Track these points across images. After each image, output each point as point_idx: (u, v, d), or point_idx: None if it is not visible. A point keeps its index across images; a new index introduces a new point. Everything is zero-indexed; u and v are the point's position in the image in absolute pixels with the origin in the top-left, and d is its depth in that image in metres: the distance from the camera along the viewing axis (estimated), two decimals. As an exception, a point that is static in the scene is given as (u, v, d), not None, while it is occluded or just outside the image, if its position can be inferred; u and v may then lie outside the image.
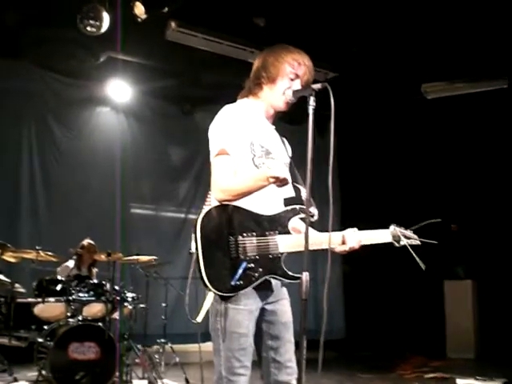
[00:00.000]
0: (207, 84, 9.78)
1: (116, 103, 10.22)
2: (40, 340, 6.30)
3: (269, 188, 2.80)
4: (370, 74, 9.35)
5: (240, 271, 2.61)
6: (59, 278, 6.66)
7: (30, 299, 6.47)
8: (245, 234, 2.68)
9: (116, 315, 6.59)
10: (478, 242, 10.44)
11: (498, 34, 7.99)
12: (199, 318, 2.67)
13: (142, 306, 7.10)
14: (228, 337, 2.67)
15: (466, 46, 8.26)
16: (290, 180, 2.71)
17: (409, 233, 3.03)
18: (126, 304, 6.66)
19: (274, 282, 2.78)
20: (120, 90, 9.99)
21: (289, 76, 2.91)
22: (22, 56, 9.00)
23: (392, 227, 2.99)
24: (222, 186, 2.75)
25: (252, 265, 2.65)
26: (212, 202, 2.79)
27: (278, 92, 2.92)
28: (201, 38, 8.03)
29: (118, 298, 6.41)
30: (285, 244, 2.72)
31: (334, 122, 2.57)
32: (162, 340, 7.59)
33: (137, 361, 6.88)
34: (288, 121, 11.21)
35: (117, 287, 6.55)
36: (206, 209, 2.69)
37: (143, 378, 6.92)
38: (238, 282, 2.61)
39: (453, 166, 10.71)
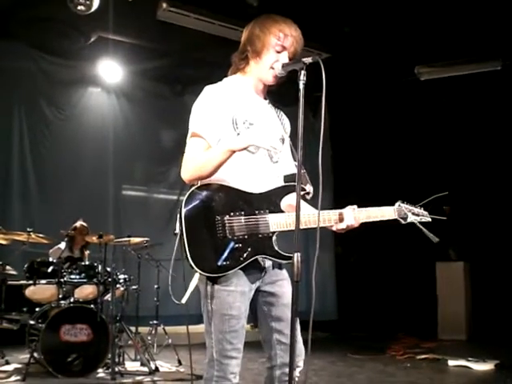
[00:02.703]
0: (199, 64, 9.70)
1: (107, 84, 10.16)
2: (31, 322, 6.29)
3: (260, 165, 2.76)
4: (364, 55, 9.31)
5: (227, 251, 2.55)
6: (51, 259, 6.64)
7: (21, 281, 6.44)
8: (232, 213, 2.60)
9: (108, 297, 6.57)
10: (470, 224, 10.46)
11: (492, 16, 7.95)
12: (184, 300, 2.64)
13: (133, 287, 7.09)
14: (219, 319, 2.63)
15: (460, 28, 8.22)
16: (268, 146, 2.60)
17: (417, 209, 2.96)
18: (117, 286, 6.63)
19: (267, 262, 2.73)
20: (111, 71, 9.92)
21: (275, 48, 2.78)
22: (12, 36, 8.91)
23: (397, 204, 2.89)
24: (188, 165, 2.65)
25: (240, 245, 2.58)
26: (200, 182, 2.69)
27: (265, 66, 2.79)
28: (192, 18, 7.96)
29: (110, 279, 6.38)
30: (276, 223, 2.64)
31: (325, 99, 2.50)
32: (155, 322, 7.60)
33: (129, 343, 6.88)
34: (281, 102, 11.22)
35: (108, 269, 6.53)
36: (192, 188, 2.62)
37: (136, 360, 6.93)
38: (224, 263, 2.55)
39: (445, 147, 10.70)
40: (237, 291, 2.61)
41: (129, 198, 10.48)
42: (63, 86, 9.79)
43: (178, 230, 2.57)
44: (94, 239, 6.56)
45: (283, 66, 2.75)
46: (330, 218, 2.71)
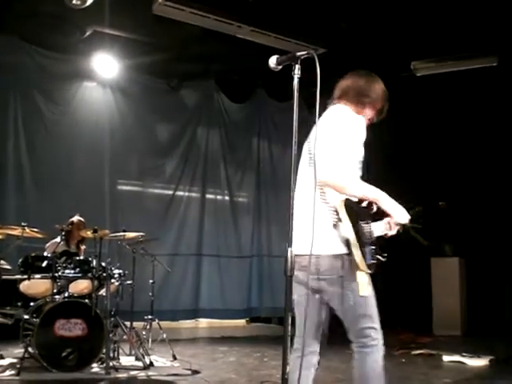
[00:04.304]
0: (194, 59, 9.69)
1: (102, 78, 10.09)
2: (26, 317, 6.28)
3: None
4: (360, 50, 9.29)
5: (371, 251, 3.06)
6: (45, 254, 6.62)
7: (15, 276, 6.42)
8: (365, 221, 3.08)
9: (103, 292, 6.55)
10: (465, 220, 10.47)
11: (488, 12, 7.94)
12: (364, 293, 3.08)
13: (128, 282, 7.07)
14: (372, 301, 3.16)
15: (456, 24, 8.21)
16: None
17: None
18: (112, 281, 6.62)
19: None
20: (106, 65, 9.86)
21: (377, 109, 3.44)
22: (7, 30, 8.88)
23: None
24: (340, 178, 3.03)
25: (372, 246, 3.08)
26: (331, 195, 3.08)
27: (367, 115, 3.42)
28: (188, 12, 7.94)
29: (105, 274, 6.37)
30: (377, 230, 3.16)
31: (320, 94, 2.51)
32: (150, 316, 7.59)
33: (124, 337, 6.87)
34: (277, 98, 11.19)
35: (103, 264, 6.51)
36: (341, 196, 3.03)
37: (130, 355, 6.92)
38: (372, 261, 3.05)
39: (441, 143, 10.70)
40: None
41: (124, 193, 10.44)
42: (58, 81, 9.73)
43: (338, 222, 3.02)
44: (89, 234, 6.54)
45: (278, 60, 2.75)
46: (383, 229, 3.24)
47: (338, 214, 3.02)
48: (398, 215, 3.15)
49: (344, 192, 3.04)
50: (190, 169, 10.97)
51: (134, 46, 9.35)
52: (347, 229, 2.98)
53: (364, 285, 3.07)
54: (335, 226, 3.02)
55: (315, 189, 2.88)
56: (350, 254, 3.00)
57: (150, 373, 6.20)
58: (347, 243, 2.98)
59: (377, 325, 3.16)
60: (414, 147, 10.89)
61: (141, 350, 6.73)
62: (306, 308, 3.05)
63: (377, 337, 3.16)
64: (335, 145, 3.07)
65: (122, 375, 6.03)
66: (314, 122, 2.75)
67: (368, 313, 3.14)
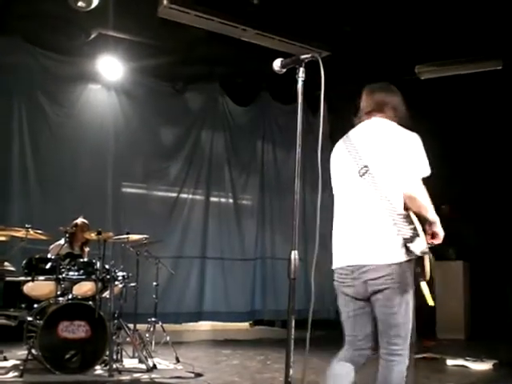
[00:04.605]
0: (199, 61, 9.71)
1: (107, 80, 10.11)
2: (29, 319, 6.27)
3: None
4: (364, 53, 9.29)
5: None
6: (49, 256, 6.62)
7: (19, 278, 6.42)
8: None
9: (106, 294, 6.56)
10: (469, 223, 10.45)
11: (493, 16, 7.94)
12: (432, 302, 3.27)
13: (132, 284, 7.07)
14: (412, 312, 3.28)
15: (461, 27, 8.21)
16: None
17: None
18: (116, 283, 6.62)
19: None
20: (111, 67, 9.88)
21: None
22: (11, 32, 8.90)
23: None
24: (425, 198, 3.27)
25: None
26: (398, 203, 3.18)
27: None
28: (193, 15, 7.95)
29: (109, 276, 6.37)
30: None
31: (325, 97, 2.51)
32: (153, 319, 7.59)
33: (127, 340, 6.87)
34: (281, 101, 11.20)
35: (107, 266, 6.52)
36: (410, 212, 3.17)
37: (133, 357, 6.92)
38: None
39: (444, 146, 10.67)
40: None
41: (128, 195, 10.44)
42: (63, 83, 9.74)
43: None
44: (93, 236, 6.55)
45: (282, 63, 2.75)
46: None
47: (411, 224, 3.10)
48: (442, 237, 3.33)
49: (418, 208, 3.21)
50: (194, 171, 10.97)
51: (138, 49, 9.38)
52: (423, 240, 3.12)
53: (428, 294, 3.26)
54: (412, 239, 3.08)
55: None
56: (410, 261, 3.13)
57: (153, 375, 6.19)
58: (422, 254, 3.14)
59: (409, 336, 3.30)
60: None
61: (144, 353, 6.73)
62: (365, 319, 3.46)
63: (405, 347, 3.31)
64: (413, 161, 3.33)
65: (125, 377, 6.02)
66: (319, 126, 2.72)
67: (407, 322, 3.26)
